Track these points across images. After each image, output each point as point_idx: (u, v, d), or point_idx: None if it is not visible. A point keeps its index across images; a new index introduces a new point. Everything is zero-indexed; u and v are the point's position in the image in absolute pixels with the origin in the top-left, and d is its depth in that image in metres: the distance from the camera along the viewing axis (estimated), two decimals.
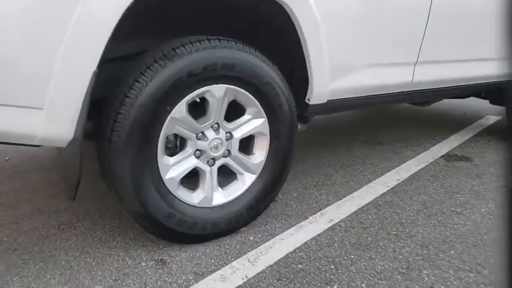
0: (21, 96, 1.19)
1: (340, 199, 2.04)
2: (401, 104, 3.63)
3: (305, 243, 1.63)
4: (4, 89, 1.16)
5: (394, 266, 1.50)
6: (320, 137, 3.03)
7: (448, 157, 2.65)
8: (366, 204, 1.98)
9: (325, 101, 1.85)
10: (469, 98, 3.28)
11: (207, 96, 1.50)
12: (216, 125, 1.58)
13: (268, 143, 1.69)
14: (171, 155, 1.53)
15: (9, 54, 1.13)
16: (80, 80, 1.22)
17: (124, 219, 1.79)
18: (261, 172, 1.70)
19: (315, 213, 1.88)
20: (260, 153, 1.70)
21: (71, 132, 1.26)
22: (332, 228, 1.76)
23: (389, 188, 2.16)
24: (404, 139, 3.00)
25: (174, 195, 1.52)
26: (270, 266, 1.49)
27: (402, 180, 2.28)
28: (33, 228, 1.74)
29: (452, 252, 1.60)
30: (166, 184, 1.49)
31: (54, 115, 1.23)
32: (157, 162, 1.46)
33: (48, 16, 1.15)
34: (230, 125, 1.61)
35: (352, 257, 1.55)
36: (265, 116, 1.64)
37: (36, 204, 1.95)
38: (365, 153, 2.70)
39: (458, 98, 3.18)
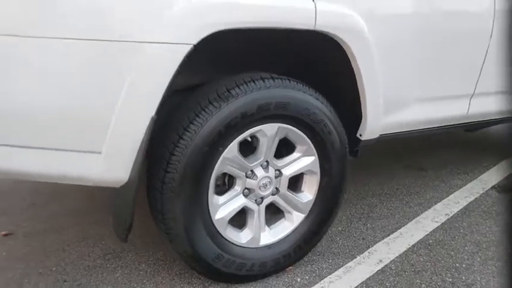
0: (81, 142, 1.20)
1: (388, 235, 1.96)
2: None
3: None
4: (66, 136, 1.17)
5: None
6: (360, 161, 2.94)
7: (500, 188, 2.52)
8: (416, 243, 1.89)
9: (378, 135, 1.78)
10: None
11: (258, 135, 1.47)
12: (266, 163, 1.54)
13: (318, 181, 1.63)
14: (219, 193, 1.50)
15: (72, 105, 1.15)
16: (137, 126, 1.21)
17: (168, 252, 1.77)
18: (309, 211, 1.65)
19: (362, 252, 1.81)
20: (309, 192, 1.64)
21: (127, 175, 1.26)
22: (382, 271, 1.68)
23: (438, 225, 2.06)
24: (449, 164, 2.87)
25: (222, 236, 1.49)
26: None
27: (452, 215, 2.17)
28: (79, 257, 1.75)
29: None
30: (216, 225, 1.46)
31: (111, 159, 1.23)
32: (207, 202, 1.43)
33: (108, 68, 1.15)
34: (280, 163, 1.57)
35: None
36: (316, 154, 1.59)
37: (81, 229, 1.96)
38: (409, 181, 2.60)
39: None
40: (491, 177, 2.68)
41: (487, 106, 2.11)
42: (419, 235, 1.96)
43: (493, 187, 2.53)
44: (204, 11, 1.20)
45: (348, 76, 1.59)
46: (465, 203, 2.31)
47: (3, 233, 1.96)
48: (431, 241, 1.91)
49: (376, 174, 2.70)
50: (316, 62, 1.66)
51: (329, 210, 1.68)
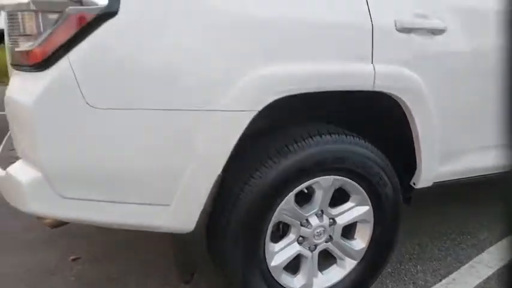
0: (155, 197, 1.31)
1: (440, 280, 1.94)
2: None
3: None
4: (143, 192, 1.29)
5: None
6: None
7: None
8: None
9: (431, 184, 1.78)
10: None
11: (314, 186, 1.52)
12: (320, 212, 1.59)
13: (372, 230, 1.66)
14: (274, 240, 1.57)
15: (150, 166, 1.26)
16: (204, 184, 1.31)
17: None
18: (362, 258, 1.68)
19: None
20: (362, 240, 1.68)
21: (193, 224, 1.36)
22: None
23: (493, 271, 2.02)
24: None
25: (278, 282, 1.56)
26: None
27: (508, 261, 2.11)
28: (140, 286, 1.88)
29: None
30: (272, 272, 1.53)
31: (179, 211, 1.34)
32: (264, 250, 1.51)
33: (182, 133, 1.26)
34: (334, 211, 1.61)
35: None
36: (370, 204, 1.63)
37: (143, 258, 2.09)
38: (462, 218, 2.54)
39: None
40: None
41: None
42: (473, 282, 1.93)
43: None
44: (269, 81, 1.28)
45: (404, 129, 1.61)
46: None
47: (72, 257, 2.13)
48: None
49: (426, 209, 2.66)
50: (374, 115, 1.69)
51: (381, 258, 1.71)
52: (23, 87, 1.20)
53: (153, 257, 2.10)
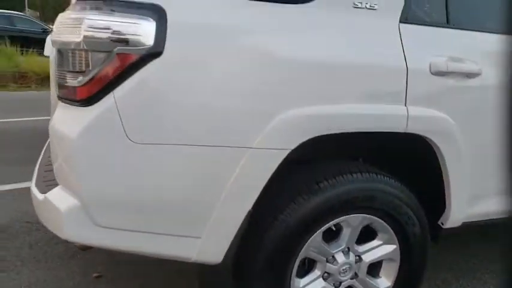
0: (185, 229, 1.34)
1: None
2: None
3: None
4: (173, 223, 1.32)
5: None
6: None
7: None
8: None
9: (460, 224, 1.76)
10: None
11: (342, 224, 1.53)
12: (347, 249, 1.59)
13: (397, 269, 1.65)
14: (299, 275, 1.57)
15: (183, 199, 1.29)
16: (235, 219, 1.34)
17: None
18: None
19: None
20: (388, 278, 1.66)
21: (221, 256, 1.38)
22: None
23: None
24: None
25: None
26: None
27: None
28: None
29: None
30: None
31: (209, 243, 1.36)
32: (290, 285, 1.51)
33: (216, 169, 1.29)
34: (360, 249, 1.61)
35: None
36: (397, 243, 1.62)
37: (166, 278, 2.12)
38: (484, 252, 2.48)
39: None
40: None
41: None
42: None
43: None
44: (304, 121, 1.31)
45: (434, 169, 1.61)
46: None
47: (95, 274, 2.17)
48: None
49: (448, 241, 2.61)
50: (404, 154, 1.69)
51: None
52: (69, 119, 1.25)
53: (176, 277, 2.12)
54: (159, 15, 1.19)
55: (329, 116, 1.34)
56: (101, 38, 1.17)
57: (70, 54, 1.21)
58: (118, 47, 1.17)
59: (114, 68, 1.17)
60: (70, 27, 1.20)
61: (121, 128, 1.20)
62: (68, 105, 1.27)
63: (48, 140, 2.13)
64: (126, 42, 1.17)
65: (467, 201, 1.68)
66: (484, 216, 1.83)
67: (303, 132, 1.32)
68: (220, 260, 1.39)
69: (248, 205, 1.34)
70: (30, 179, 1.62)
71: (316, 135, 1.33)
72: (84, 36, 1.16)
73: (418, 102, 1.45)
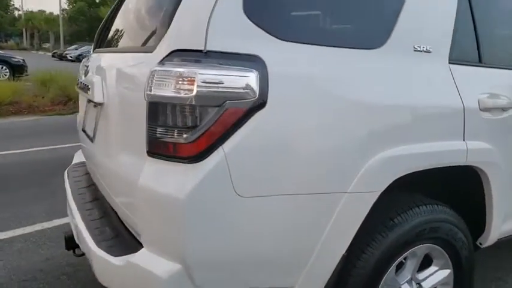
0: (282, 280, 1.31)
1: None
2: None
3: None
4: (273, 274, 1.29)
5: None
6: None
7: None
8: None
9: (494, 241, 1.92)
10: None
11: (409, 255, 1.59)
12: (410, 278, 1.65)
13: None
14: None
15: (281, 249, 1.27)
16: (331, 264, 1.33)
17: None
18: None
19: None
20: None
21: None
22: None
23: None
24: None
25: None
26: None
27: None
28: None
29: None
30: None
31: None
32: None
33: (316, 216, 1.30)
34: (420, 276, 1.68)
35: None
36: (451, 267, 1.71)
37: None
38: None
39: None
40: None
41: None
42: None
43: None
44: (392, 163, 1.36)
45: (477, 196, 1.74)
46: None
47: None
48: None
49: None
50: (456, 184, 1.81)
51: None
52: (169, 178, 1.16)
53: None
54: (262, 66, 1.17)
55: (412, 156, 1.40)
56: (214, 93, 1.12)
57: (175, 110, 1.14)
58: (228, 101, 1.13)
59: (224, 123, 1.13)
60: (174, 81, 1.13)
61: (230, 183, 1.15)
62: (165, 161, 1.18)
63: (70, 185, 1.95)
64: (236, 95, 1.13)
65: (503, 221, 1.84)
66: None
67: (391, 174, 1.36)
68: None
69: (343, 249, 1.34)
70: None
71: (402, 175, 1.38)
72: (198, 92, 1.10)
73: (472, 136, 1.58)
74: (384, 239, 1.47)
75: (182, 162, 1.14)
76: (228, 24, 1.18)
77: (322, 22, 1.38)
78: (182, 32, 1.19)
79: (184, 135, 1.13)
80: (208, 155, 1.13)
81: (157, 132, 1.18)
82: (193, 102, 1.11)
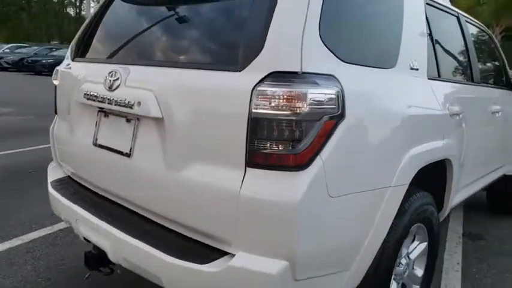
0: (347, 265, 1.55)
1: None
2: None
3: None
4: (343, 262, 1.53)
5: None
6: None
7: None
8: None
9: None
10: None
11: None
12: (406, 252, 2.04)
13: (426, 259, 2.20)
14: None
15: (356, 238, 1.52)
16: (375, 248, 1.64)
17: None
18: (421, 282, 2.19)
19: None
20: (421, 268, 2.16)
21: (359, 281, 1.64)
22: None
23: None
24: None
25: None
26: None
27: None
28: None
29: None
30: None
31: (355, 273, 1.60)
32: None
33: (371, 209, 1.58)
34: (409, 250, 2.09)
35: None
36: (427, 240, 2.17)
37: None
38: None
39: None
40: None
41: None
42: None
43: None
44: (416, 158, 1.72)
45: (442, 181, 2.24)
46: None
47: None
48: None
49: None
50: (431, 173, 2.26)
51: (429, 280, 2.26)
52: (277, 186, 1.30)
53: None
54: (339, 84, 1.39)
55: (428, 152, 1.81)
56: (317, 109, 1.30)
57: (281, 125, 1.28)
58: (325, 116, 1.32)
59: (323, 134, 1.32)
60: (282, 100, 1.27)
61: (325, 186, 1.34)
62: (270, 171, 1.30)
63: (75, 202, 1.82)
64: (329, 110, 1.33)
65: (454, 200, 2.39)
66: (458, 205, 2.59)
67: (415, 167, 1.73)
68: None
69: (385, 234, 1.65)
70: None
71: (421, 167, 1.76)
72: (308, 109, 1.27)
73: (447, 136, 2.05)
74: (400, 222, 1.82)
75: (289, 171, 1.30)
76: (313, 49, 1.37)
77: (367, 48, 1.67)
78: (278, 56, 1.33)
79: (293, 147, 1.29)
80: (311, 163, 1.31)
81: (260, 145, 1.30)
82: (302, 118, 1.28)
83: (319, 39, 1.39)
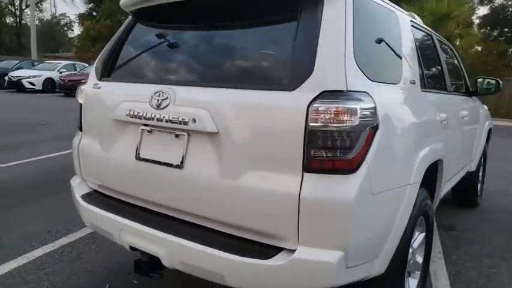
0: (379, 253, 1.79)
1: None
2: None
3: None
4: (377, 251, 1.76)
5: None
6: None
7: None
8: None
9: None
10: None
11: None
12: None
13: (424, 248, 2.51)
14: None
15: (387, 229, 1.78)
16: (397, 238, 1.89)
17: None
18: (421, 269, 2.50)
19: None
20: (420, 256, 2.47)
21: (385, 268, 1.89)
22: None
23: None
24: None
25: None
26: None
27: None
28: None
29: None
30: None
31: (382, 260, 1.85)
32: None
33: (396, 202, 1.84)
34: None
35: None
36: (425, 230, 2.48)
37: None
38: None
39: None
40: None
41: None
42: None
43: None
44: (425, 158, 2.02)
45: (433, 178, 2.58)
46: None
47: None
48: None
49: None
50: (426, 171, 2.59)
51: (426, 265, 2.58)
52: (334, 187, 1.53)
53: None
54: (374, 99, 1.65)
55: (434, 152, 2.12)
56: (363, 121, 1.55)
57: (334, 136, 1.51)
58: (368, 127, 1.57)
59: (367, 142, 1.57)
60: (336, 115, 1.50)
61: (369, 186, 1.59)
62: (326, 175, 1.53)
63: (120, 214, 1.92)
64: (370, 122, 1.59)
65: (441, 194, 2.74)
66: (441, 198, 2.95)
67: (424, 167, 2.03)
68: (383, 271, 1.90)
69: (404, 226, 1.92)
70: None
71: (428, 166, 2.06)
72: (359, 121, 1.51)
73: (440, 140, 2.39)
74: (411, 215, 2.11)
75: (343, 174, 1.53)
76: (351, 70, 1.62)
77: (383, 67, 1.97)
78: (326, 77, 1.57)
79: (345, 154, 1.52)
80: (360, 167, 1.55)
81: (316, 153, 1.52)
82: (352, 130, 1.52)
83: (355, 62, 1.64)
